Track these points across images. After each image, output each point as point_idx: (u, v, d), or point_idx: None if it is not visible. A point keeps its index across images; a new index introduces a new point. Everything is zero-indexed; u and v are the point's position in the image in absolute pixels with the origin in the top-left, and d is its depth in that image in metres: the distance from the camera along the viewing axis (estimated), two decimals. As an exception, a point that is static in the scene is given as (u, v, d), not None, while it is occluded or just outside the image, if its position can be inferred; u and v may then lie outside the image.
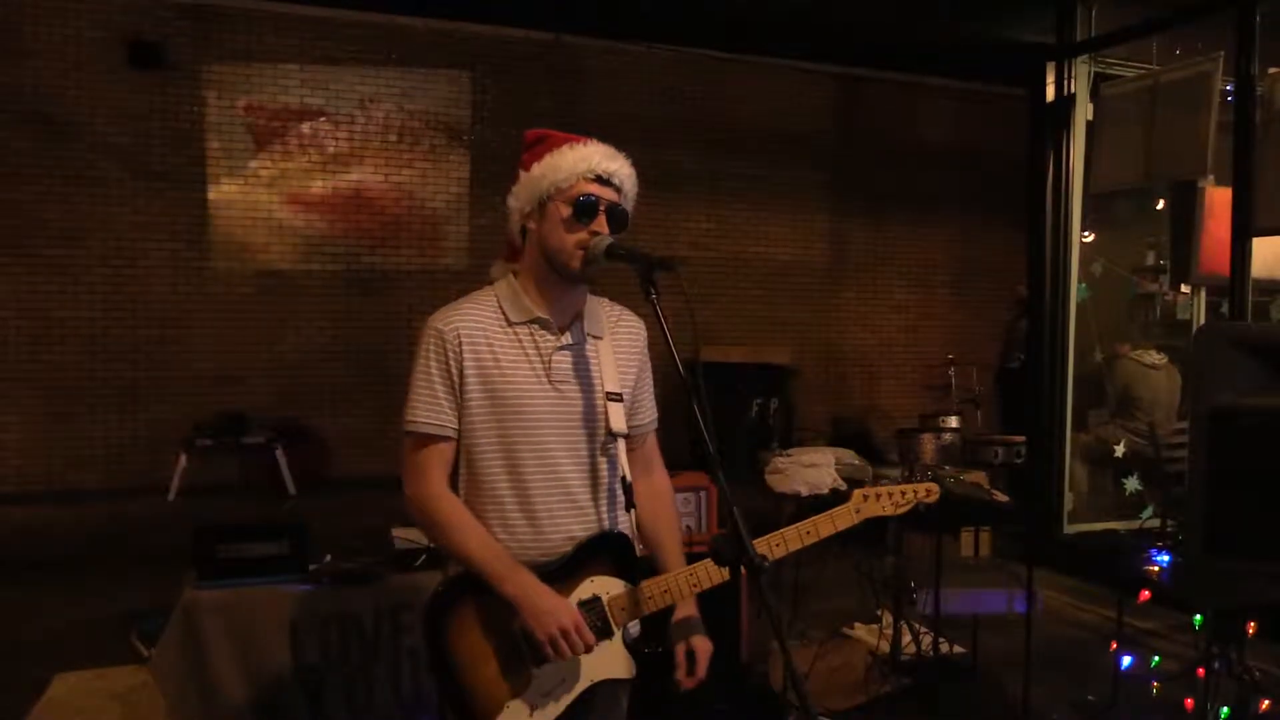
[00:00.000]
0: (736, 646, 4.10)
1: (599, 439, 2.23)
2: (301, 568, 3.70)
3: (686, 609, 2.25)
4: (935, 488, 2.35)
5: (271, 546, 3.65)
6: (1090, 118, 6.86)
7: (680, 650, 2.22)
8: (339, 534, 4.40)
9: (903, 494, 2.30)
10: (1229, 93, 5.85)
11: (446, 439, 2.17)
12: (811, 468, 5.09)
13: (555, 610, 2.06)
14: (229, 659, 3.51)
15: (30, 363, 8.76)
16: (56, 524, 7.77)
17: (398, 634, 3.72)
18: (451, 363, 2.14)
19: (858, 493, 2.29)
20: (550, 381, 2.19)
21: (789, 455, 5.31)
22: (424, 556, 3.84)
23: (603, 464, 2.24)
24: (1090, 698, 4.36)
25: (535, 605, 2.05)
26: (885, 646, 4.67)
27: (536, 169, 2.18)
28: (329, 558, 3.82)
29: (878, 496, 2.29)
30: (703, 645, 2.24)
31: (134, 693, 4.29)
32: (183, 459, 8.53)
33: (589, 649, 2.09)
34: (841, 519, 2.24)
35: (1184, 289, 7.19)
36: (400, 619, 3.72)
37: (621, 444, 2.25)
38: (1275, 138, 5.57)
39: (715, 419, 1.96)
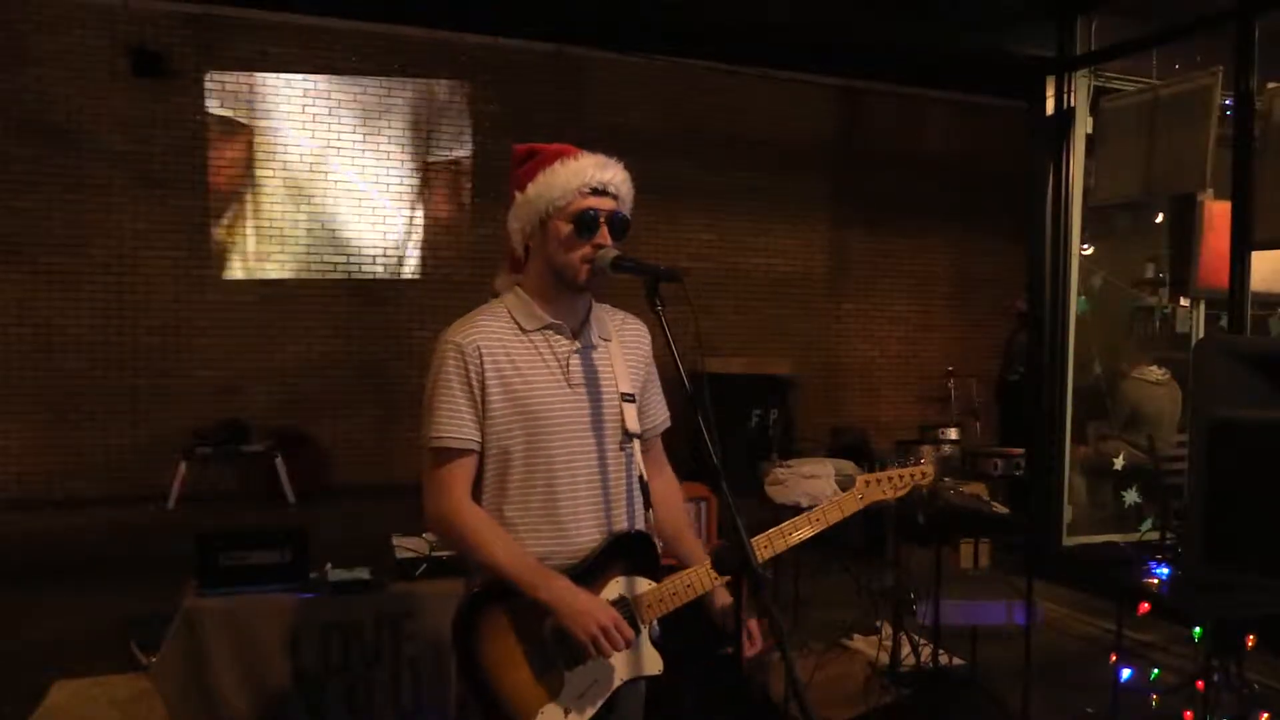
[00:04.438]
0: (737, 656, 4.10)
1: (617, 439, 2.26)
2: (302, 576, 3.71)
3: (723, 597, 2.30)
4: (930, 470, 2.51)
5: (273, 555, 3.66)
6: (1090, 131, 6.88)
7: (747, 626, 2.25)
8: (339, 543, 4.41)
9: (900, 478, 2.44)
10: (1228, 107, 5.87)
11: (470, 452, 2.18)
12: (811, 479, 5.09)
13: (592, 610, 2.08)
14: (230, 667, 3.51)
15: (31, 370, 8.77)
16: (56, 530, 7.77)
17: (398, 642, 3.73)
18: (473, 375, 2.15)
19: (860, 479, 2.42)
20: (569, 385, 2.21)
21: (789, 466, 5.32)
22: (424, 566, 3.85)
23: (621, 464, 2.27)
24: (1089, 710, 4.36)
25: (572, 607, 2.07)
26: (885, 658, 4.67)
27: (531, 189, 2.18)
28: (329, 566, 3.83)
29: (879, 481, 2.42)
30: (752, 621, 2.30)
31: (133, 700, 4.28)
32: (183, 467, 8.54)
33: (629, 644, 2.12)
34: (848, 505, 2.37)
35: (1183, 302, 7.21)
36: (401, 627, 3.73)
37: (637, 444, 2.27)
38: (1274, 152, 5.58)
39: (716, 429, 1.98)
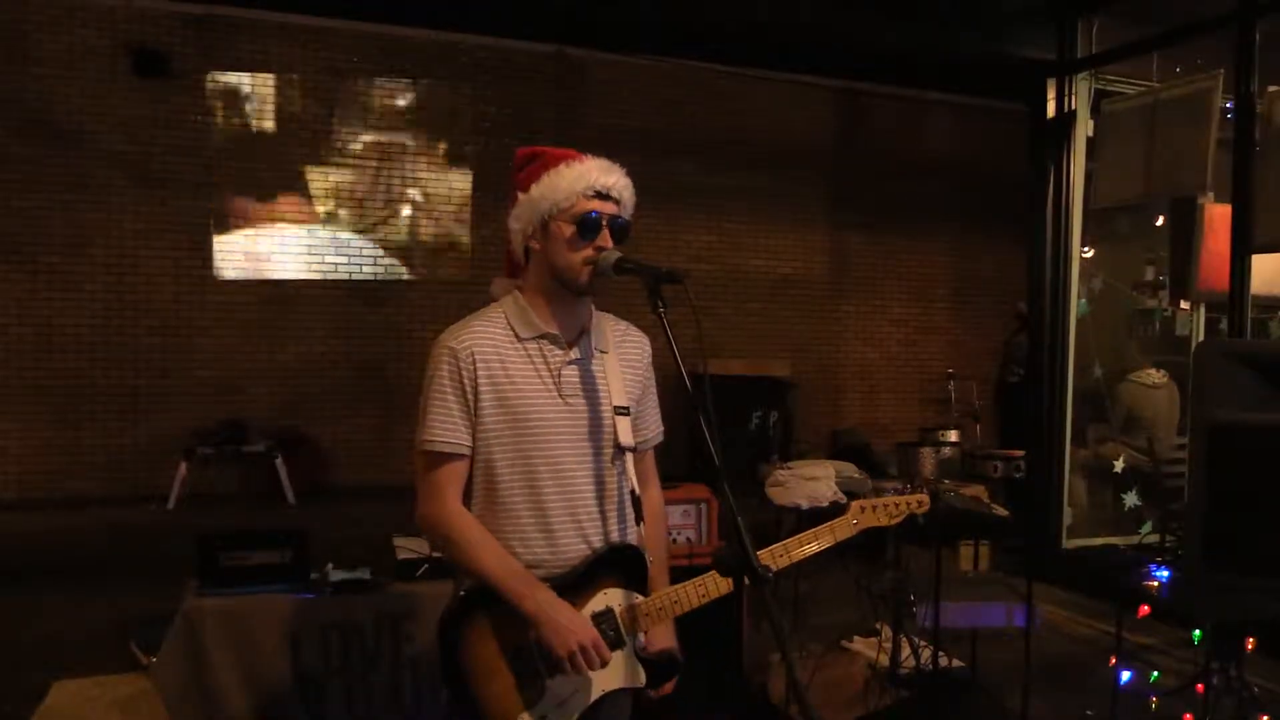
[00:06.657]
0: (737, 658, 4.11)
1: (608, 452, 2.26)
2: (303, 576, 3.71)
3: (666, 640, 2.30)
4: (926, 499, 2.52)
5: (273, 555, 3.67)
6: (1090, 134, 6.88)
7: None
8: (339, 543, 4.41)
9: (896, 505, 2.46)
10: (1229, 110, 5.87)
11: (461, 457, 2.18)
12: (812, 480, 5.09)
13: (574, 626, 2.09)
14: (230, 667, 3.52)
15: (32, 370, 8.77)
16: (56, 531, 7.76)
17: (398, 643, 3.73)
18: (466, 380, 2.16)
19: (855, 504, 2.43)
20: (561, 395, 2.21)
21: (789, 468, 5.31)
22: (425, 566, 3.85)
23: (612, 477, 2.27)
24: (1089, 713, 4.36)
25: (555, 621, 2.08)
26: (884, 660, 4.66)
27: (535, 190, 2.19)
28: (330, 566, 3.83)
29: (874, 508, 2.43)
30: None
31: (133, 700, 4.28)
32: (183, 467, 8.53)
33: (605, 664, 2.12)
34: (841, 530, 2.37)
35: (1183, 305, 7.20)
36: (401, 628, 3.73)
37: (630, 457, 2.27)
38: (1274, 154, 5.59)
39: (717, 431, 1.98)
